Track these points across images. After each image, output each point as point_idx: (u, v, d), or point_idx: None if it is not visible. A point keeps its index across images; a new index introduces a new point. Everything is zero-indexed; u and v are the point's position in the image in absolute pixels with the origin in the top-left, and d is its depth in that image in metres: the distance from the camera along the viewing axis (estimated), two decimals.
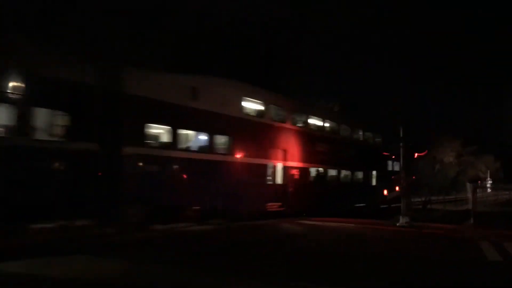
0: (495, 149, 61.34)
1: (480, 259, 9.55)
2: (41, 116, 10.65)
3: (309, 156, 19.96)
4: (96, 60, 12.04)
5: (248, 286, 6.53)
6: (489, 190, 57.82)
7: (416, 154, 17.84)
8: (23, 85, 10.28)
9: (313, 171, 20.75)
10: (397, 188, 16.42)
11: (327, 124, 22.48)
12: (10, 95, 10.11)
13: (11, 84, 10.18)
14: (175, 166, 13.91)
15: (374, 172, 25.99)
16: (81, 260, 7.65)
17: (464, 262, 9.36)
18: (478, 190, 57.31)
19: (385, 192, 17.88)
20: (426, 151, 20.80)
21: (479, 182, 56.64)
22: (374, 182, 25.95)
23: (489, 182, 60.76)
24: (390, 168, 27.13)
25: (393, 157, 17.98)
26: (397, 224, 15.85)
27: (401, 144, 17.51)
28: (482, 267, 8.84)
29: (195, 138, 15.05)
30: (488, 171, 61.37)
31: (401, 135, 17.54)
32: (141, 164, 12.59)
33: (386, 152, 20.16)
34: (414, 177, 19.63)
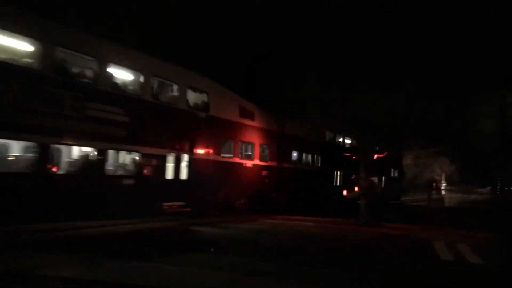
0: (452, 152, 63.55)
1: (434, 259, 9.85)
2: None
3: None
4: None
5: None
6: (443, 192, 60.01)
7: (375, 156, 18.20)
8: None
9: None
10: (356, 189, 16.69)
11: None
12: None
13: None
14: None
15: (338, 172, 26.40)
16: None
17: (418, 261, 9.66)
18: (444, 192, 60.15)
19: (345, 192, 18.11)
20: (385, 153, 21.28)
21: (434, 184, 58.70)
22: (338, 182, 26.38)
23: (444, 184, 62.97)
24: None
25: (354, 158, 18.28)
26: (357, 224, 16.13)
27: (361, 145, 17.87)
28: (435, 266, 9.11)
29: None
30: (443, 173, 63.56)
31: (361, 137, 17.91)
32: None
33: (347, 153, 20.48)
34: (372, 178, 20.05)
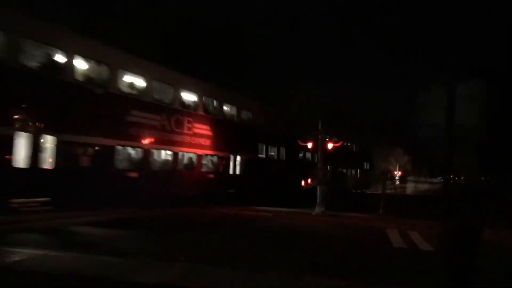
0: (406, 143, 65.47)
1: (387, 246, 10.01)
2: None
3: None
4: None
5: None
6: (397, 182, 62.02)
7: (332, 145, 18.38)
8: None
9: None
10: (309, 181, 16.95)
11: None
12: None
13: None
14: None
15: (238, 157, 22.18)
16: None
17: (372, 248, 9.83)
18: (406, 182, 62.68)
19: (303, 183, 18.30)
20: (341, 142, 21.56)
21: (389, 174, 60.55)
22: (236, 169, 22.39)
23: (398, 174, 64.93)
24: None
25: (309, 148, 18.33)
26: (313, 213, 16.27)
27: (318, 136, 17.97)
28: (388, 252, 9.26)
29: None
30: (397, 164, 65.46)
31: (319, 127, 18.00)
32: None
33: (302, 142, 20.45)
34: (328, 168, 20.28)
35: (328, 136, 18.26)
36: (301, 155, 29.01)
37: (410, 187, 57.77)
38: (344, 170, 40.35)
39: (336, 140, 18.94)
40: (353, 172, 45.12)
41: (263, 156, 24.59)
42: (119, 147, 15.00)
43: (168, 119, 17.20)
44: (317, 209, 16.48)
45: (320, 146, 17.68)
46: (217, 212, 15.52)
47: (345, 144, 38.79)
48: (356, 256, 8.83)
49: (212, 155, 19.94)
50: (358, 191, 38.25)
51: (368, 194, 37.94)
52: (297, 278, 6.30)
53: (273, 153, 25.92)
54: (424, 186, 61.43)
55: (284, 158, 26.90)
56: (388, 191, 34.19)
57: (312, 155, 27.11)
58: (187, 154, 18.49)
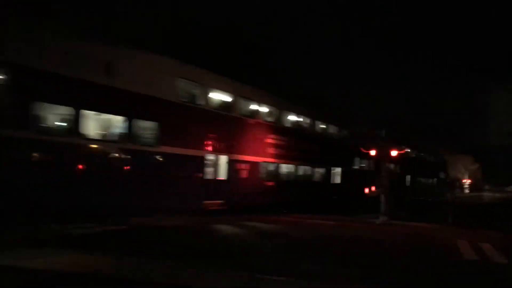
0: (474, 150, 62.32)
1: (457, 257, 9.64)
2: None
3: (262, 149, 18.96)
4: None
5: None
6: (466, 190, 59.07)
7: (397, 153, 17.96)
8: None
9: (265, 165, 19.38)
10: (373, 188, 16.62)
11: (289, 117, 21.70)
12: None
13: None
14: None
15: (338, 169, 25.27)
16: None
17: (441, 259, 9.47)
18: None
19: (366, 190, 17.98)
20: (405, 150, 21.00)
21: (458, 182, 57.80)
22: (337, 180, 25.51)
23: (467, 182, 61.84)
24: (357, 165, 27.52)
25: (371, 155, 18.05)
26: (377, 222, 15.94)
27: (383, 144, 17.65)
28: (458, 265, 8.91)
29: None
30: (467, 172, 62.39)
31: (384, 135, 17.69)
32: None
33: (364, 149, 20.21)
34: (408, 177, 19.76)
35: (392, 144, 17.90)
36: (364, 164, 28.21)
37: (484, 196, 54.66)
38: (421, 179, 42.10)
39: (401, 148, 18.48)
40: (430, 180, 47.58)
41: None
42: (263, 163, 19.22)
43: (290, 139, 20.93)
44: (381, 218, 16.12)
45: (384, 154, 17.34)
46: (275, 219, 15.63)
47: (421, 154, 40.80)
48: (423, 268, 8.52)
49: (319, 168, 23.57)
50: (430, 199, 36.92)
51: (437, 202, 36.61)
52: None
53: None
54: (496, 195, 57.92)
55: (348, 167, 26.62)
56: (457, 200, 32.70)
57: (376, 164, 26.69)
58: (302, 167, 22.20)
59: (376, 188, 16.74)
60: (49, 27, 11.48)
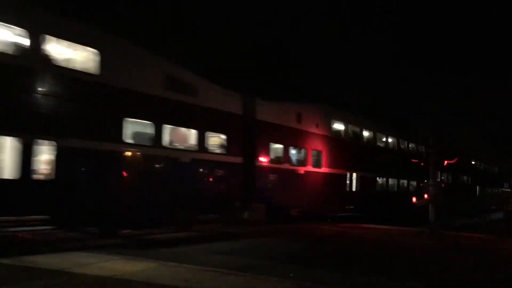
0: None
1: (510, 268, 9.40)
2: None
3: (376, 167, 24.24)
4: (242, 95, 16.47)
5: None
6: None
7: (445, 162, 17.58)
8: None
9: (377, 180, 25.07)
10: (425, 196, 16.21)
11: (389, 139, 26.91)
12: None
13: None
14: (284, 175, 17.76)
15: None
16: None
17: (492, 270, 9.20)
18: None
19: (414, 199, 17.62)
20: (456, 159, 20.46)
21: None
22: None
23: None
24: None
25: (422, 164, 17.76)
26: (425, 232, 15.70)
27: (429, 151, 17.36)
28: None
29: (296, 153, 19.18)
30: None
31: (430, 143, 17.40)
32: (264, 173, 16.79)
33: (415, 159, 20.07)
34: (443, 185, 19.32)
35: (441, 152, 17.52)
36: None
37: None
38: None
39: (451, 156, 18.07)
40: (496, 190, 49.22)
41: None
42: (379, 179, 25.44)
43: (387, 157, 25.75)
44: (429, 228, 15.84)
45: (432, 162, 17.04)
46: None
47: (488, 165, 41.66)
48: (484, 278, 8.29)
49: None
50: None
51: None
52: None
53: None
54: None
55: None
56: None
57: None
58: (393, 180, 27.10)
59: (425, 198, 16.38)
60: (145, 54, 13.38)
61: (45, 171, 10.57)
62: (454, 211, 25.09)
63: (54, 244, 9.36)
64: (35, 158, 10.28)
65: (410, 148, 29.48)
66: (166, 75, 13.37)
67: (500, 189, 50.93)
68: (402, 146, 28.59)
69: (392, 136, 27.38)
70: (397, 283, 7.25)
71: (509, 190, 52.36)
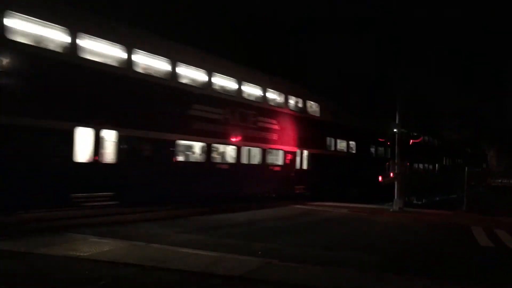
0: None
1: (472, 244, 9.61)
2: None
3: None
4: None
5: None
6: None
7: (411, 141, 17.81)
8: None
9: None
10: (391, 174, 16.42)
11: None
12: None
13: None
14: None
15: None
16: None
17: (456, 246, 9.45)
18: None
19: (380, 178, 17.77)
20: (421, 138, 20.81)
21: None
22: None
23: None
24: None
25: (388, 143, 17.94)
26: (391, 210, 15.96)
27: (395, 130, 17.51)
28: (474, 251, 8.91)
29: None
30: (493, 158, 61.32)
31: (396, 122, 17.53)
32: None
33: (381, 138, 20.13)
34: (408, 164, 19.62)
35: (408, 131, 17.71)
36: (373, 149, 27.76)
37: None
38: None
39: (416, 135, 18.32)
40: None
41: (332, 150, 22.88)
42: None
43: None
44: (395, 206, 16.12)
45: (397, 141, 17.22)
46: (294, 209, 15.73)
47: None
48: (440, 254, 8.53)
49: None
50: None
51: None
52: (378, 278, 6.30)
53: (342, 148, 24.48)
54: None
55: (354, 152, 25.61)
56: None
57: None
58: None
59: (391, 176, 16.58)
60: None
61: (110, 156, 11.89)
62: (430, 189, 26.04)
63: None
64: (104, 145, 11.72)
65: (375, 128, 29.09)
66: None
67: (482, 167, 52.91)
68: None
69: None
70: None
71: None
